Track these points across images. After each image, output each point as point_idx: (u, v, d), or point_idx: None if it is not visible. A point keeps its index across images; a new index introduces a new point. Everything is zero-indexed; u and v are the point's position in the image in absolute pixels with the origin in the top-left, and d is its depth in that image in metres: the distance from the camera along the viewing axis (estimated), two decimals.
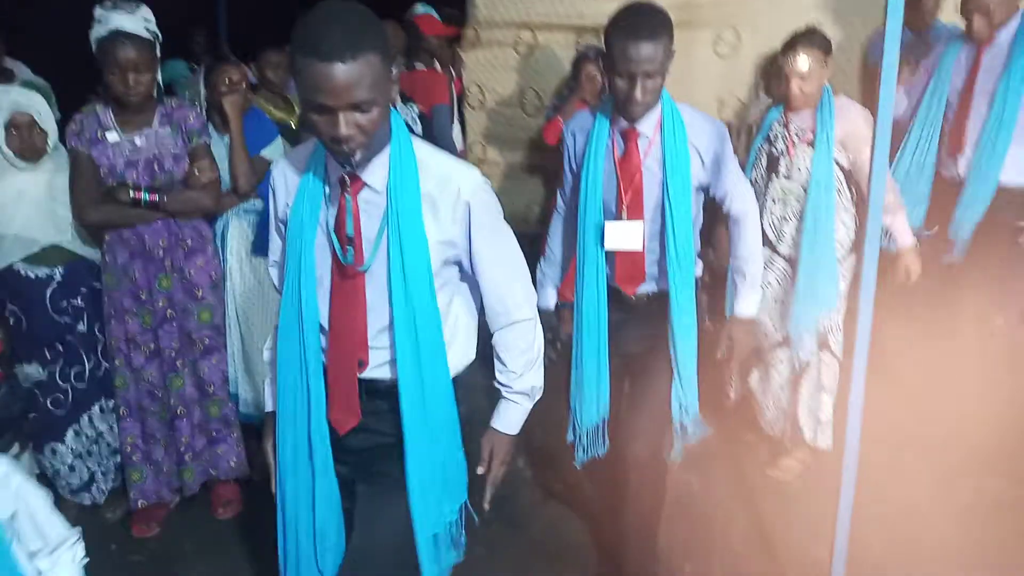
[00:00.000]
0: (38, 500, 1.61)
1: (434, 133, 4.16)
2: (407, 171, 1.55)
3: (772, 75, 3.85)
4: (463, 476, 1.72)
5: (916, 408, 3.24)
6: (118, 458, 2.87)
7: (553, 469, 3.12)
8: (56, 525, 1.63)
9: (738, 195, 2.28)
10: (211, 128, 2.88)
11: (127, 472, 2.79)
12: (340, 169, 1.53)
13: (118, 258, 2.64)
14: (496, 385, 1.74)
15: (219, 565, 2.67)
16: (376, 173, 1.55)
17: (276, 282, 1.79)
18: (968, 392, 3.11)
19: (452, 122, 4.51)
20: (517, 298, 1.69)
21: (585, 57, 4.06)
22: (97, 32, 2.45)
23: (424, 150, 1.60)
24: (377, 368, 1.63)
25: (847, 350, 2.33)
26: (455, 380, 1.69)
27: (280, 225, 1.70)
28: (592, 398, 2.33)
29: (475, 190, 1.58)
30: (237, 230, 2.99)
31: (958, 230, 2.99)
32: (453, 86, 4.72)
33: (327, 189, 1.59)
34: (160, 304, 2.67)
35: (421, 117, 3.00)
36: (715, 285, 2.94)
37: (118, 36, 2.42)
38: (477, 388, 1.98)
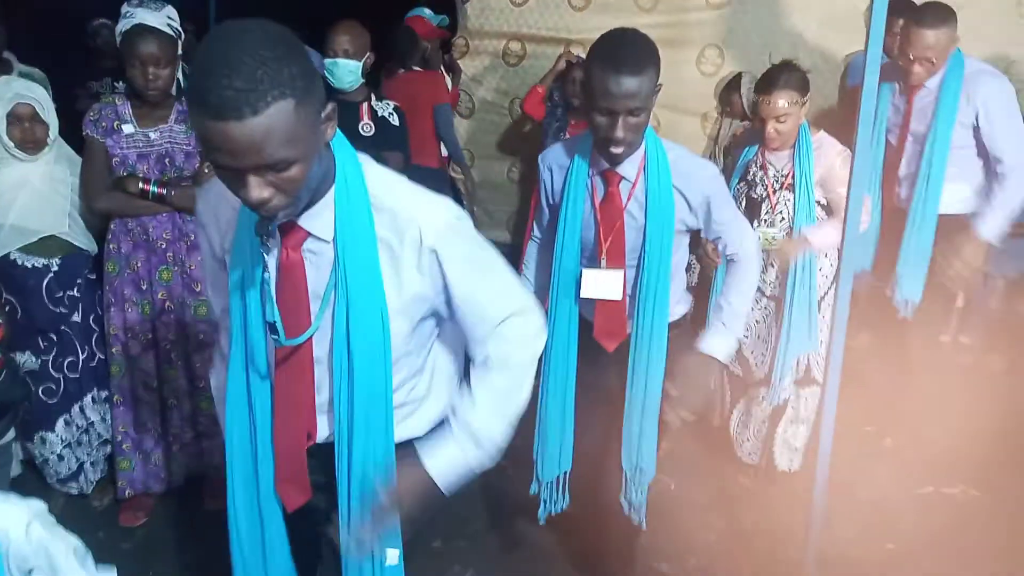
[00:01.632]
0: (61, 555, 1.49)
1: (439, 133, 4.23)
2: (357, 215, 1.29)
3: (730, 92, 3.98)
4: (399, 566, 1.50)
5: (880, 418, 3.40)
6: (108, 449, 2.90)
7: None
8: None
9: (733, 239, 2.11)
10: None
11: (116, 460, 2.82)
12: (272, 223, 1.24)
13: (122, 247, 2.69)
14: (449, 415, 1.46)
15: (206, 554, 2.70)
16: (320, 219, 1.29)
17: (217, 310, 1.61)
18: (924, 404, 3.29)
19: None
20: (512, 341, 1.47)
21: (572, 63, 4.08)
22: (122, 26, 2.52)
23: (380, 185, 1.32)
24: (326, 432, 1.46)
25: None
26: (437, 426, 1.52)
27: (215, 263, 1.48)
28: (554, 450, 2.23)
29: (441, 233, 1.31)
30: None
31: (905, 289, 3.10)
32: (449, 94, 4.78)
33: (266, 247, 1.30)
34: (159, 296, 2.71)
35: (397, 110, 3.04)
36: None
37: (140, 30, 2.49)
38: None
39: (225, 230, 1.40)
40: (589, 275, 2.05)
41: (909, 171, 3.10)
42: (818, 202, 2.82)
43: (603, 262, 2.05)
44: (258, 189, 1.15)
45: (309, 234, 1.31)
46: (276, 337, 1.34)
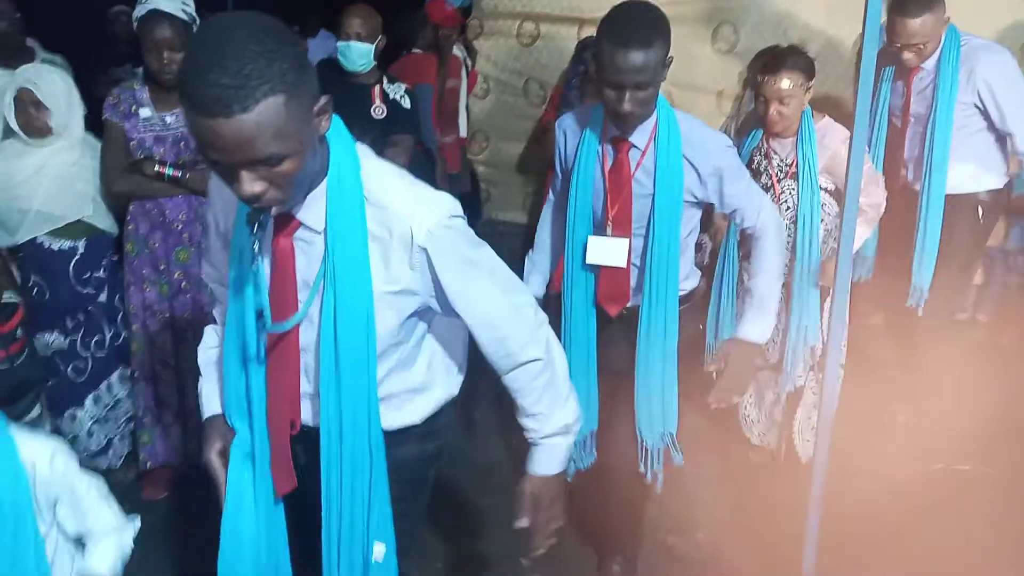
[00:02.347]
0: (83, 487, 1.62)
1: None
2: (349, 208, 1.29)
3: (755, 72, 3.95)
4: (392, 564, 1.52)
5: (894, 396, 3.40)
6: (133, 424, 2.99)
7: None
8: (103, 515, 1.64)
9: (750, 211, 2.11)
10: None
11: (138, 434, 2.92)
12: (264, 213, 1.27)
13: (140, 228, 2.77)
14: (524, 433, 1.53)
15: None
16: (313, 210, 1.30)
17: (213, 290, 1.66)
18: (938, 382, 3.28)
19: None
20: (521, 338, 1.44)
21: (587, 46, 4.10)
22: (138, 12, 2.60)
23: (376, 180, 1.33)
24: (310, 417, 1.48)
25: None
26: (437, 414, 1.57)
27: (218, 240, 1.51)
28: (582, 411, 2.33)
29: (432, 232, 1.30)
30: None
31: (919, 280, 3.09)
32: (468, 75, 4.78)
33: (253, 233, 1.28)
34: (176, 275, 2.79)
35: (409, 94, 3.07)
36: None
37: (155, 15, 2.56)
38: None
39: (229, 210, 1.42)
40: (594, 242, 2.10)
41: (913, 154, 3.09)
42: (825, 189, 2.78)
43: (609, 229, 2.09)
44: (250, 184, 1.15)
45: (301, 224, 1.32)
46: (263, 323, 1.36)
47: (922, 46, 2.87)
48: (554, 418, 1.50)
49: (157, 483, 2.97)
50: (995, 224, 3.20)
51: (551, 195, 2.42)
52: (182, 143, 2.73)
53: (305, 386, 1.45)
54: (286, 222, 1.32)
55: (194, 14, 2.65)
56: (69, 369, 2.87)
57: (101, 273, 2.86)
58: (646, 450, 2.22)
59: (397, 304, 1.36)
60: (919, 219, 3.04)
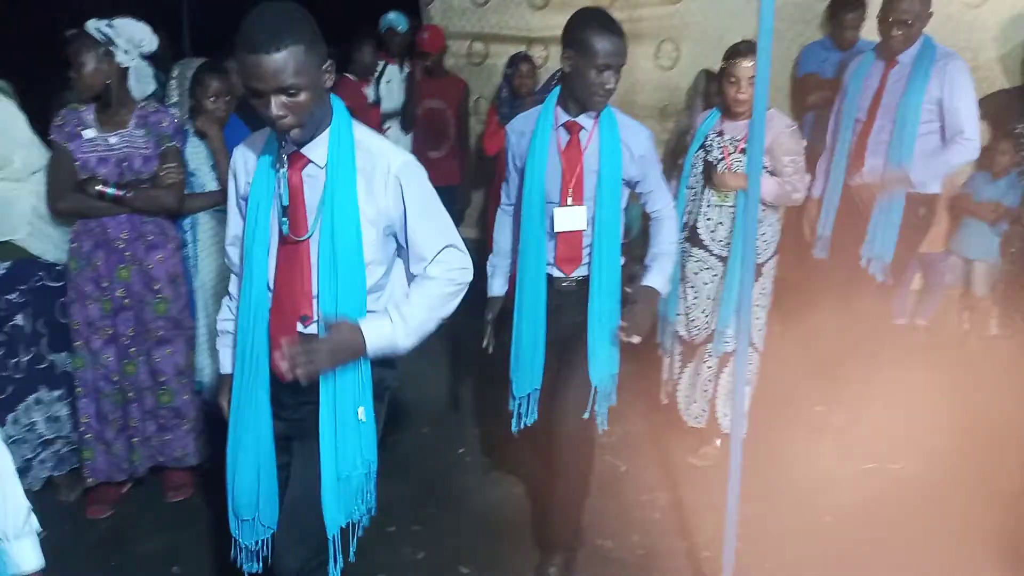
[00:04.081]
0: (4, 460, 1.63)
1: None
2: (344, 149, 1.77)
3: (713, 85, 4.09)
4: (373, 435, 1.88)
5: (830, 397, 3.50)
6: (54, 448, 3.00)
7: (492, 455, 3.31)
8: (19, 501, 1.64)
9: (661, 195, 2.52)
10: (192, 133, 3.08)
11: (81, 451, 2.93)
12: (287, 148, 1.76)
13: (83, 246, 2.81)
14: (388, 307, 1.83)
15: (171, 544, 2.81)
16: (318, 150, 1.77)
17: (233, 259, 2.00)
18: (876, 384, 3.38)
19: None
20: (437, 261, 1.84)
21: (521, 57, 4.24)
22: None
23: (363, 133, 1.82)
24: (318, 324, 1.81)
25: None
26: None
27: (241, 202, 1.91)
28: (527, 369, 2.54)
29: (404, 167, 1.79)
30: (208, 226, 3.14)
31: (875, 255, 3.23)
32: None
33: (279, 167, 1.79)
34: (118, 293, 2.82)
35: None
36: None
37: (76, 35, 2.65)
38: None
39: (250, 171, 1.87)
40: (559, 212, 2.44)
41: (878, 145, 3.21)
42: (764, 167, 2.98)
43: (569, 200, 2.42)
44: (277, 107, 1.65)
45: (309, 161, 1.78)
46: (284, 231, 1.78)
47: (910, 22, 3.07)
48: (415, 310, 1.82)
49: (101, 501, 2.98)
50: (928, 229, 3.32)
51: (504, 199, 2.66)
52: (125, 163, 2.78)
53: (311, 291, 1.81)
54: (297, 159, 1.78)
55: (109, 36, 2.69)
56: None
57: (16, 297, 2.87)
58: (595, 391, 2.44)
59: (378, 222, 1.79)
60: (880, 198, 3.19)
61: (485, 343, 2.61)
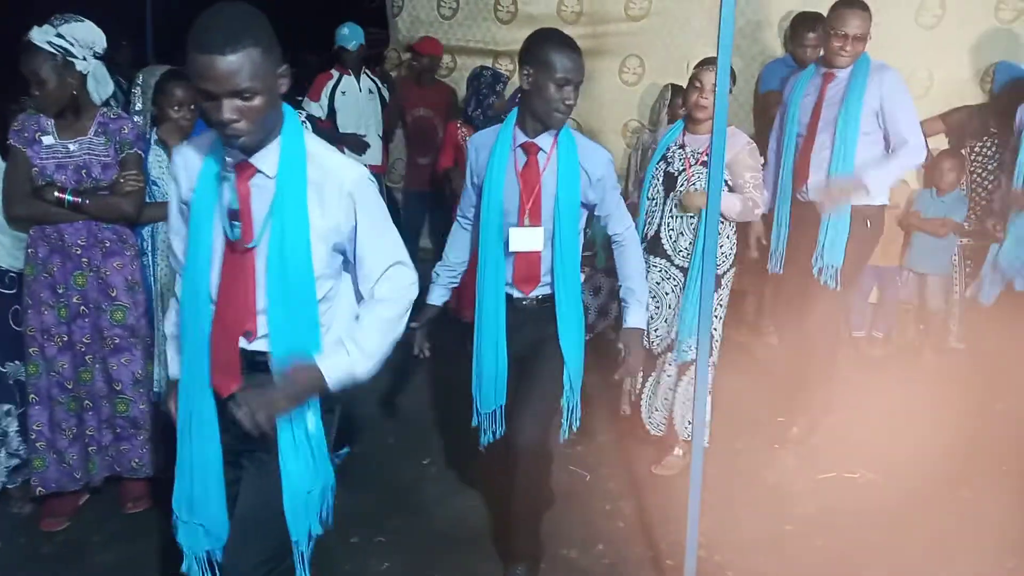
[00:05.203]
0: None
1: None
2: (296, 160, 1.70)
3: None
4: (324, 451, 1.83)
5: (790, 409, 3.56)
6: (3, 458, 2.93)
7: (457, 466, 3.30)
8: None
9: (620, 217, 2.53)
10: (155, 142, 3.04)
11: (31, 459, 2.86)
12: (234, 155, 1.68)
13: (39, 252, 2.76)
14: (341, 336, 1.79)
15: (127, 556, 2.75)
16: (267, 160, 1.70)
17: (177, 254, 1.94)
18: (834, 396, 3.45)
19: None
20: (385, 281, 1.80)
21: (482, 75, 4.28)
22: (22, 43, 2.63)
23: (315, 144, 1.75)
24: (261, 340, 1.76)
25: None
26: None
27: (183, 207, 1.85)
28: (490, 385, 2.54)
29: (358, 183, 1.73)
30: None
31: (824, 264, 3.29)
32: (383, 107, 4.91)
33: (224, 174, 1.72)
34: (75, 300, 2.77)
35: (310, 119, 3.19)
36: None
37: (26, 47, 2.60)
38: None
39: (192, 175, 1.79)
40: (515, 233, 2.43)
41: (820, 158, 3.29)
42: (725, 182, 3.04)
43: (526, 220, 2.43)
44: (229, 111, 1.57)
45: (258, 171, 1.70)
46: (232, 236, 1.71)
47: (857, 40, 3.17)
48: (369, 336, 1.77)
49: (57, 515, 2.90)
50: (878, 240, 3.40)
51: (459, 216, 2.66)
52: (83, 170, 2.74)
53: (258, 307, 1.75)
54: (245, 169, 1.71)
55: (65, 46, 2.64)
56: None
57: None
58: (566, 406, 2.53)
59: (328, 237, 1.74)
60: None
61: (416, 351, 2.62)
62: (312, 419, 1.78)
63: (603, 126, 4.47)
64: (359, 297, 1.85)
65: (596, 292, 4.32)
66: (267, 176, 1.71)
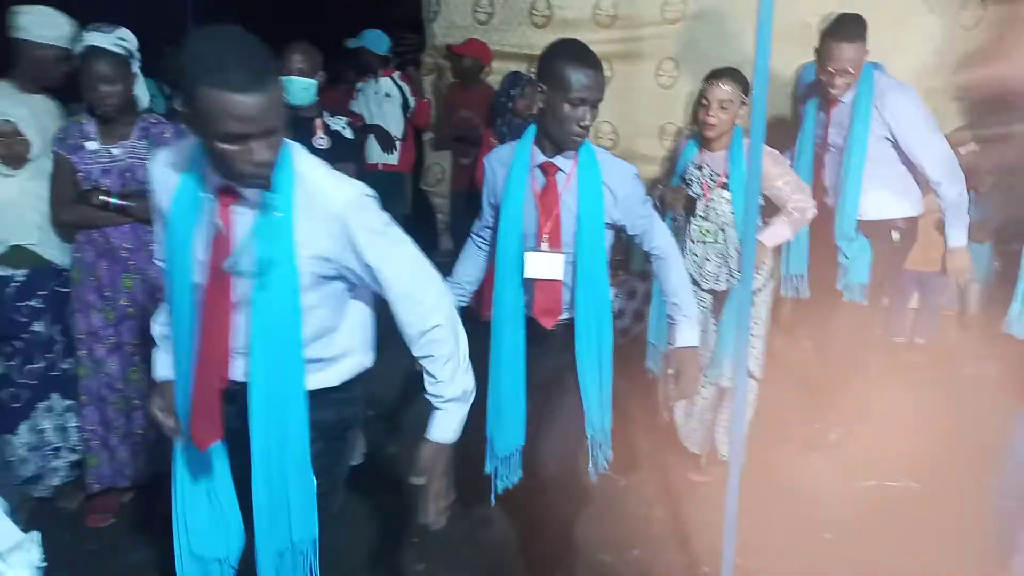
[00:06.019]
0: None
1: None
2: (283, 183, 1.56)
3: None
4: (312, 502, 1.71)
5: (828, 415, 3.51)
6: (62, 457, 3.00)
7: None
8: (7, 531, 1.61)
9: (656, 233, 2.34)
10: None
11: (86, 458, 2.93)
12: (216, 179, 1.56)
13: (86, 256, 2.83)
14: (427, 397, 1.71)
15: (166, 554, 2.79)
16: None
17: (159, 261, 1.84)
18: (874, 402, 3.40)
19: None
20: (426, 304, 1.67)
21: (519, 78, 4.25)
22: (77, 49, 2.69)
23: (305, 164, 1.61)
24: (239, 371, 1.66)
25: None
26: (350, 383, 1.78)
27: (162, 220, 1.73)
28: (509, 426, 2.37)
29: (347, 206, 1.58)
30: None
31: (849, 283, 3.25)
32: (418, 106, 4.97)
33: (205, 196, 1.59)
34: (122, 302, 2.84)
35: (349, 124, 3.21)
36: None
37: (92, 52, 2.65)
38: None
39: (170, 190, 1.66)
40: (531, 258, 2.27)
41: (832, 180, 3.25)
42: (761, 204, 2.92)
43: (544, 245, 2.26)
44: (265, 152, 1.46)
45: (240, 196, 1.57)
46: (213, 264, 1.59)
47: (851, 70, 3.07)
48: (455, 383, 1.69)
49: (103, 511, 2.98)
50: (911, 248, 3.35)
51: (474, 234, 2.57)
52: (128, 173, 2.80)
53: (238, 344, 1.65)
54: (228, 192, 1.58)
55: (131, 49, 2.73)
56: (4, 394, 2.90)
57: (37, 303, 2.89)
58: (593, 446, 2.36)
59: (312, 265, 1.60)
60: (836, 232, 3.23)
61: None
62: (305, 471, 1.70)
63: (639, 130, 4.45)
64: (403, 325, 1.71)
65: (631, 295, 4.30)
66: (251, 200, 1.58)
